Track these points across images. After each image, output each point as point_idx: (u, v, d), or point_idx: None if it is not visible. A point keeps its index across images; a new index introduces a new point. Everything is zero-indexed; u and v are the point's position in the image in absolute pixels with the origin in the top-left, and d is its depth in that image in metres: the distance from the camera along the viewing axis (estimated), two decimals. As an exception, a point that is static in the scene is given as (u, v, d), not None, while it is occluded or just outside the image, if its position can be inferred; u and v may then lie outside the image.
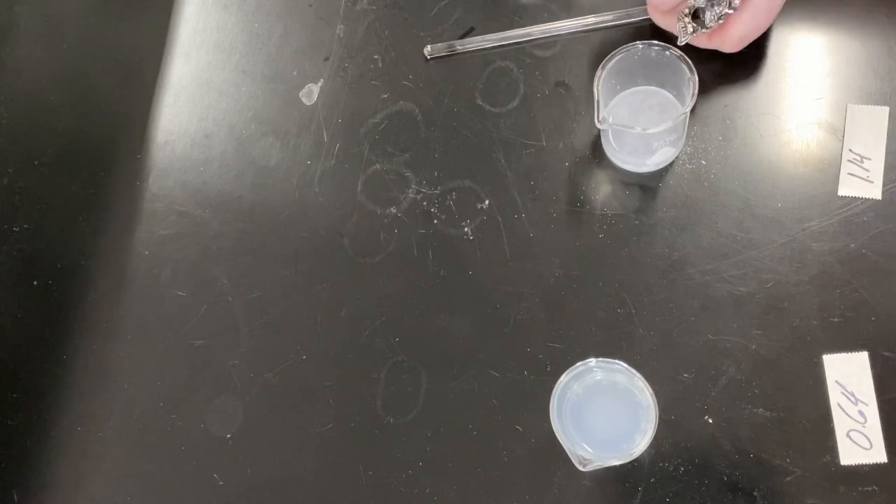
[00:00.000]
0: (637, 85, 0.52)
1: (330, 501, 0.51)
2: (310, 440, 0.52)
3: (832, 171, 0.52)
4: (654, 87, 0.52)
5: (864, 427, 0.48)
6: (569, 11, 0.57)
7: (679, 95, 0.51)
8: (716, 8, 0.48)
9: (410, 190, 0.55)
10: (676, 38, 0.51)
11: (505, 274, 0.53)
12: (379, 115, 0.57)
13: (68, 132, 0.59)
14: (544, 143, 0.55)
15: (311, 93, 0.58)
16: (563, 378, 0.48)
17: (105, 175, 0.58)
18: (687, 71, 0.48)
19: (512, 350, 0.52)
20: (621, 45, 0.49)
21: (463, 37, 0.57)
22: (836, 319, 0.50)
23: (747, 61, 0.54)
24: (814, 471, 0.47)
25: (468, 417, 0.51)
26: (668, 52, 0.49)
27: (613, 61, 0.49)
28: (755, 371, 0.49)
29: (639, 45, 0.49)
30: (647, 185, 0.53)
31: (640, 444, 0.46)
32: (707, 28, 0.49)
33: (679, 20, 0.50)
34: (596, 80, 0.49)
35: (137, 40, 0.61)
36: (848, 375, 0.49)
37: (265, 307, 0.54)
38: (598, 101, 0.49)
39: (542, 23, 0.57)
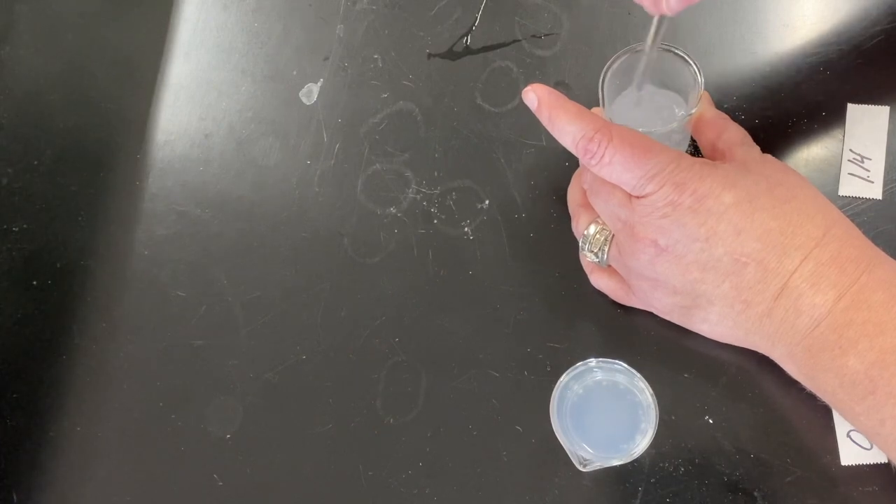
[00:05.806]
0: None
1: (330, 501, 0.51)
2: (310, 440, 0.52)
3: (832, 171, 0.52)
4: (658, 88, 0.52)
5: (864, 427, 0.47)
6: (569, 11, 0.57)
7: (684, 97, 0.51)
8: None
9: (410, 190, 0.55)
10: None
11: (505, 274, 0.53)
12: (379, 115, 0.57)
13: (68, 132, 0.59)
14: (544, 143, 0.55)
15: (310, 93, 0.58)
16: (563, 378, 0.48)
17: (105, 175, 0.58)
18: (693, 72, 0.48)
19: (512, 350, 0.51)
20: (624, 45, 0.49)
21: (463, 36, 0.57)
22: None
23: (749, 62, 0.54)
24: (814, 471, 0.47)
25: (468, 417, 0.51)
26: (674, 54, 0.48)
27: (619, 62, 0.48)
28: (755, 371, 0.49)
29: (644, 45, 0.49)
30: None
31: (640, 444, 0.46)
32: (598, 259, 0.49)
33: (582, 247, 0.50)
34: (601, 80, 0.48)
35: (137, 40, 0.61)
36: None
37: (265, 307, 0.54)
38: (602, 102, 0.48)
39: (542, 23, 0.57)
